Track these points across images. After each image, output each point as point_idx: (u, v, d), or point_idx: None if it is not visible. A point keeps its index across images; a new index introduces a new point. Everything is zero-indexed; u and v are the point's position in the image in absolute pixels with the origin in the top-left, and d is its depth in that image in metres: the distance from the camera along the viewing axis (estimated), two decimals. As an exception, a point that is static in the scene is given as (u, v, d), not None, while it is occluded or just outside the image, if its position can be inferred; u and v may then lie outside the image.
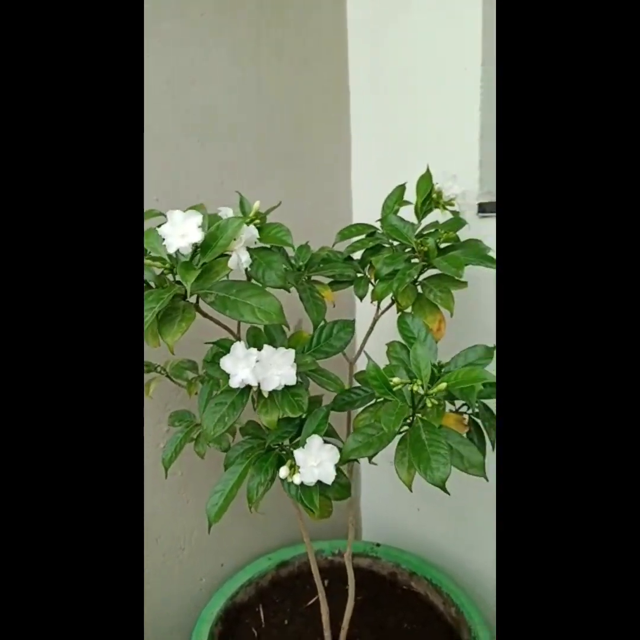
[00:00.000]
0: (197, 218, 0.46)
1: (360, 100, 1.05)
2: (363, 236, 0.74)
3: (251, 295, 0.47)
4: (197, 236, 0.45)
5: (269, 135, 0.96)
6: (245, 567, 1.01)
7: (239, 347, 0.51)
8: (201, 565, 1.00)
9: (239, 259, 0.49)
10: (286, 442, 0.61)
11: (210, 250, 0.47)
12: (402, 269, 0.64)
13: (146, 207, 0.73)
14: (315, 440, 0.54)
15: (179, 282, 0.48)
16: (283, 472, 0.55)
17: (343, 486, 0.61)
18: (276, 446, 0.60)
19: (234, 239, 0.47)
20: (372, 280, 0.71)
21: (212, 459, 0.78)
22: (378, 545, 1.06)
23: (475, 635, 0.84)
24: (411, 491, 0.55)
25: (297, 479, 0.54)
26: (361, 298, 0.70)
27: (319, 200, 1.06)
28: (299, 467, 0.54)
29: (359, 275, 0.72)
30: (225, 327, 0.61)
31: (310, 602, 0.97)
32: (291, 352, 0.52)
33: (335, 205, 1.09)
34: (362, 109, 1.05)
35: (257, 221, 0.55)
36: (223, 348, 0.55)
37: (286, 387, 0.52)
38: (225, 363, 0.51)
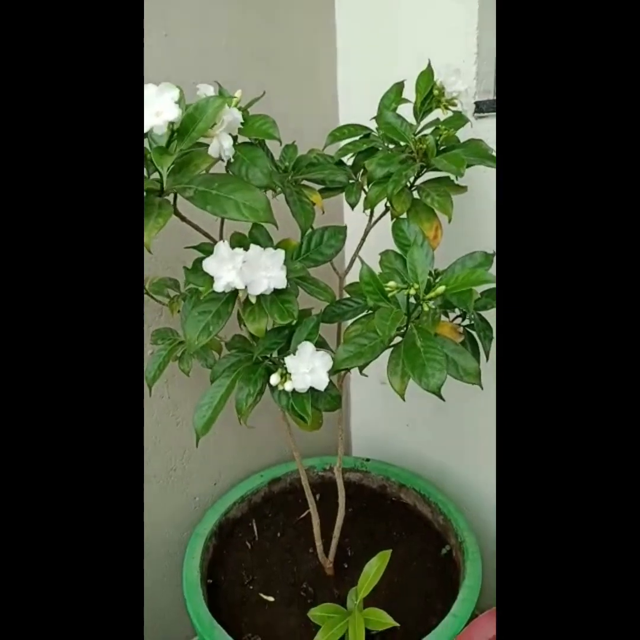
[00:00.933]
0: (173, 92, 0.40)
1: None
2: (356, 138, 0.68)
3: (235, 190, 0.42)
4: (174, 113, 0.40)
5: (243, 27, 0.87)
6: (238, 484, 1.02)
7: (223, 247, 0.46)
8: (194, 484, 1.01)
9: (221, 146, 0.44)
10: (275, 354, 0.59)
11: (187, 134, 0.41)
12: (397, 171, 0.60)
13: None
14: (307, 347, 0.51)
15: (154, 177, 0.43)
16: (274, 379, 0.53)
17: (334, 397, 0.59)
18: (264, 358, 0.58)
19: (215, 123, 0.42)
20: (365, 187, 0.66)
21: (200, 379, 0.76)
22: (368, 460, 1.08)
23: (462, 539, 0.87)
24: (404, 400, 0.54)
25: (288, 386, 0.52)
26: (352, 206, 0.66)
27: (302, 100, 0.98)
28: (290, 374, 0.51)
29: (350, 181, 0.67)
30: (206, 234, 0.56)
31: (302, 516, 1.00)
32: (280, 253, 0.48)
33: (319, 106, 1.01)
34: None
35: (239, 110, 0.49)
36: (205, 253, 0.51)
37: (275, 292, 0.49)
38: (209, 265, 0.47)
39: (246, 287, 0.47)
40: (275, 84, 0.93)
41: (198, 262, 0.51)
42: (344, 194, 0.67)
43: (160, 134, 0.41)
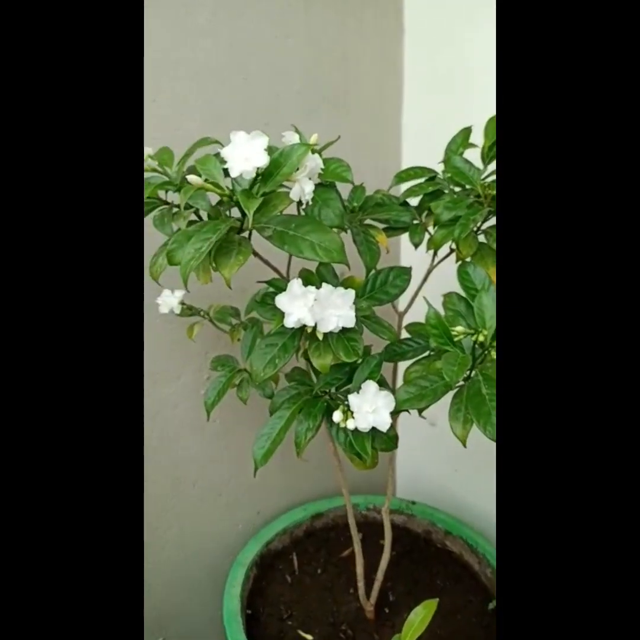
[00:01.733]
0: (262, 140, 0.43)
1: (415, 37, 0.98)
2: (422, 180, 0.70)
3: (311, 231, 0.44)
4: (262, 159, 0.42)
5: (315, 73, 0.91)
6: (281, 516, 1.02)
7: (296, 285, 0.48)
8: (238, 511, 1.01)
9: (302, 190, 0.46)
10: (334, 389, 0.59)
11: (272, 178, 0.44)
12: (465, 215, 0.61)
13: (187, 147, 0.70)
14: (371, 386, 0.52)
15: (234, 216, 0.46)
16: (336, 416, 0.53)
17: (391, 438, 0.59)
18: (323, 393, 0.59)
19: (298, 168, 0.44)
20: (430, 228, 0.67)
21: (252, 408, 0.77)
22: (413, 503, 1.06)
23: (511, 596, 0.83)
24: (465, 447, 0.53)
25: (350, 425, 0.52)
26: (416, 246, 0.67)
27: (368, 143, 1.01)
28: (352, 412, 0.52)
29: (414, 222, 0.68)
30: (275, 269, 0.58)
31: (343, 554, 0.98)
32: (351, 293, 0.49)
33: (384, 149, 1.04)
34: (417, 43, 0.99)
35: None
36: (275, 288, 0.53)
37: (342, 330, 0.50)
38: (281, 301, 0.49)
39: (316, 324, 0.49)
40: (343, 127, 0.97)
41: (268, 296, 0.53)
42: (407, 234, 0.68)
43: (248, 178, 0.43)
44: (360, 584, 0.82)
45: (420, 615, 0.67)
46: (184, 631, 0.98)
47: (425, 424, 1.05)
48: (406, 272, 0.60)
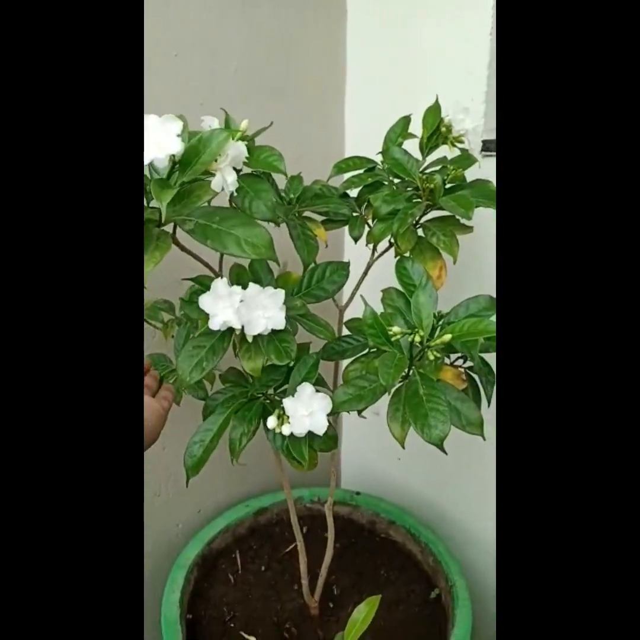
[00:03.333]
0: (175, 124, 0.39)
1: (358, 22, 0.95)
2: (361, 171, 0.68)
3: (237, 225, 0.41)
4: (176, 146, 0.38)
5: (253, 57, 0.87)
6: (223, 513, 1.00)
7: (220, 284, 0.45)
8: (178, 511, 0.98)
9: (225, 181, 0.42)
10: (271, 391, 0.57)
11: (190, 167, 0.40)
12: (403, 208, 0.59)
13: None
14: (306, 389, 0.50)
15: (152, 207, 0.42)
16: (271, 422, 0.51)
17: (330, 437, 0.57)
18: (260, 395, 0.56)
19: (219, 156, 0.41)
20: (369, 221, 0.65)
21: (190, 406, 0.74)
22: (358, 493, 1.05)
23: (452, 583, 0.84)
24: (404, 448, 0.52)
25: (286, 430, 0.50)
26: (356, 240, 0.65)
27: (308, 131, 0.98)
28: (288, 417, 0.50)
29: (354, 214, 0.66)
30: (205, 264, 0.55)
31: (287, 550, 0.97)
32: (280, 293, 0.47)
33: (326, 138, 1.01)
34: (359, 31, 0.96)
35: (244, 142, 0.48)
36: (203, 286, 0.49)
37: (273, 331, 0.47)
38: (205, 302, 0.46)
39: (243, 327, 0.46)
40: (283, 113, 0.93)
41: (195, 294, 0.49)
42: (346, 227, 0.66)
43: (161, 166, 0.39)
44: (304, 581, 0.81)
45: (363, 613, 0.66)
46: None
47: (368, 413, 1.04)
48: (344, 267, 0.58)
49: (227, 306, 0.45)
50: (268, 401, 0.55)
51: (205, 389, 0.64)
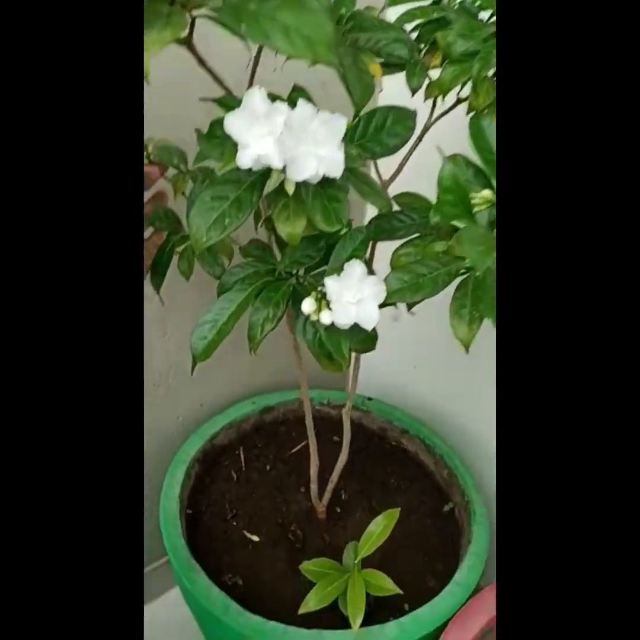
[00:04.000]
0: None
1: None
2: (424, 3, 0.53)
3: (284, 7, 0.27)
4: None
5: None
6: (227, 409, 0.93)
7: (257, 96, 0.31)
8: (179, 403, 0.91)
9: None
10: (302, 270, 0.46)
11: None
12: (484, 48, 0.45)
13: None
14: (356, 268, 0.38)
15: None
16: (307, 306, 0.40)
17: (370, 337, 0.48)
18: (289, 274, 0.46)
19: None
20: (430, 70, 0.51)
21: (197, 288, 0.63)
22: (369, 399, 0.99)
23: (469, 498, 0.80)
24: (468, 352, 0.42)
25: (326, 318, 0.39)
26: (414, 92, 0.51)
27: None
28: (328, 302, 0.39)
29: (412, 59, 0.52)
30: (227, 89, 0.41)
31: (294, 450, 0.92)
32: (342, 121, 0.33)
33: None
34: None
35: None
36: (226, 108, 0.36)
37: (322, 182, 0.35)
38: (233, 124, 0.32)
39: (285, 167, 0.34)
40: None
41: (217, 123, 0.36)
42: (405, 74, 0.52)
43: None
44: (314, 486, 0.76)
45: (381, 526, 0.61)
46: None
47: (387, 317, 0.95)
48: (410, 116, 0.45)
49: (264, 133, 0.31)
50: (299, 283, 0.45)
51: (222, 265, 0.54)
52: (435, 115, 0.54)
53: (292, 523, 0.78)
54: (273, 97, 0.35)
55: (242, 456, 0.89)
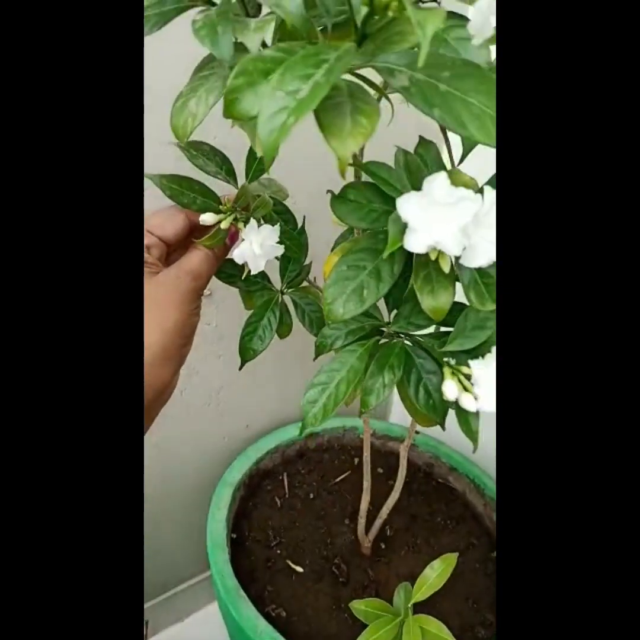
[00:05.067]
0: None
1: None
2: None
3: (479, 90, 0.24)
4: None
5: None
6: (272, 433, 0.93)
7: (441, 182, 0.29)
8: (226, 424, 0.91)
9: (490, 11, 0.25)
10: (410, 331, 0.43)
11: None
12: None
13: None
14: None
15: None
16: (451, 390, 0.37)
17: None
18: (400, 334, 0.43)
19: None
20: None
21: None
22: (417, 432, 0.97)
23: (520, 545, 0.76)
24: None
25: (469, 403, 0.37)
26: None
27: None
28: (471, 385, 0.36)
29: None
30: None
31: (337, 479, 0.90)
32: None
33: None
34: None
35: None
36: (379, 180, 0.34)
37: (481, 268, 0.32)
38: (409, 208, 0.29)
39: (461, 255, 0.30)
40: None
41: (349, 187, 0.35)
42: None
43: None
44: (362, 520, 0.74)
45: (438, 570, 0.59)
46: (157, 546, 0.90)
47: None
48: None
49: (448, 220, 0.29)
50: (411, 345, 0.43)
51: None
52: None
53: (337, 556, 0.76)
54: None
55: (285, 482, 0.88)
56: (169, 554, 0.93)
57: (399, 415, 1.18)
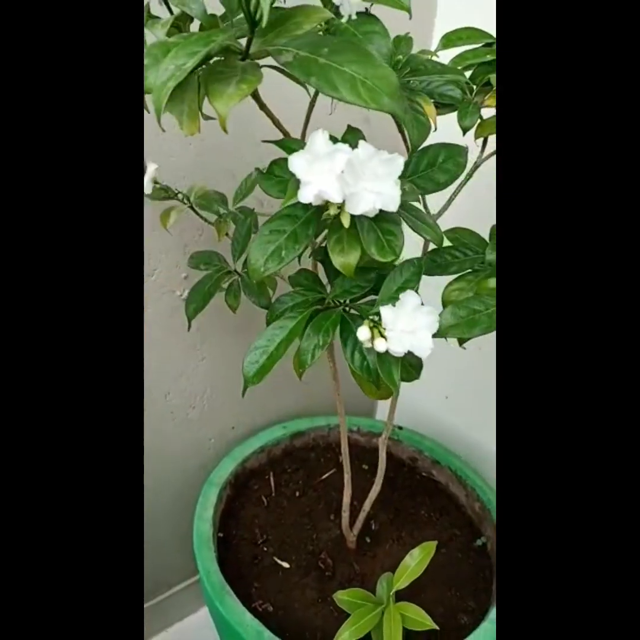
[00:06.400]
0: None
1: None
2: (476, 45, 0.55)
3: (353, 60, 0.30)
4: None
5: None
6: (258, 433, 0.94)
7: (320, 138, 0.34)
8: (211, 426, 0.93)
9: (345, 4, 0.32)
10: (347, 300, 0.47)
11: None
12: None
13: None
14: (411, 298, 0.40)
15: (235, 32, 0.32)
16: (363, 334, 0.41)
17: (414, 366, 0.48)
18: (337, 303, 0.47)
19: None
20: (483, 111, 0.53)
21: (235, 316, 0.65)
22: (400, 428, 0.99)
23: (501, 533, 0.78)
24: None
25: (380, 346, 0.40)
26: (465, 130, 0.53)
27: None
28: (383, 330, 0.40)
29: (465, 98, 0.53)
30: (285, 133, 0.43)
31: (323, 477, 0.92)
32: (399, 160, 0.35)
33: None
34: None
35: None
36: (288, 151, 0.38)
37: (377, 216, 0.37)
38: (297, 163, 0.35)
39: (343, 202, 0.35)
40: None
41: (277, 165, 0.39)
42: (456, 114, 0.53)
43: None
44: (345, 514, 0.76)
45: (417, 559, 0.61)
46: (150, 552, 0.91)
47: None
48: (461, 153, 0.46)
49: (327, 170, 0.34)
50: (346, 311, 0.46)
51: (268, 296, 0.55)
52: (486, 153, 0.56)
53: (322, 551, 0.77)
54: (333, 139, 0.37)
55: (271, 481, 0.89)
56: (157, 558, 0.93)
57: (385, 413, 1.20)
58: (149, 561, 0.92)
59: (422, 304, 0.40)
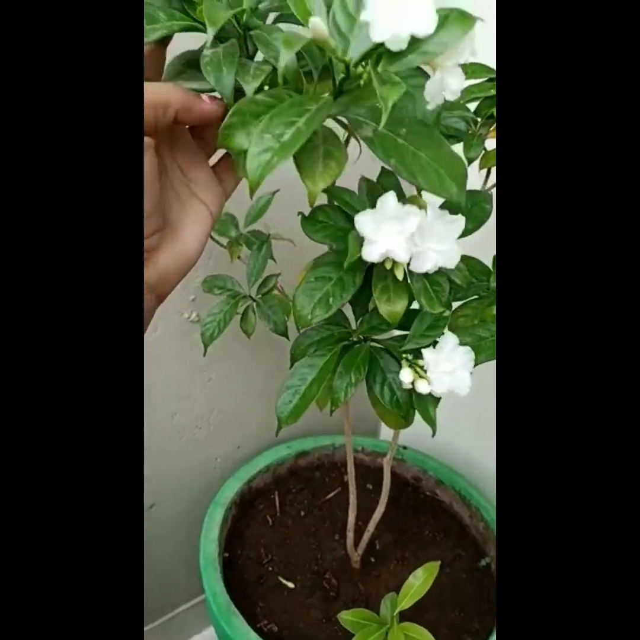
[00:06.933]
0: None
1: None
2: (481, 80, 0.57)
3: (428, 147, 0.30)
4: (428, 22, 0.25)
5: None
6: (264, 452, 0.95)
7: (391, 200, 0.35)
8: (217, 445, 0.94)
9: (444, 85, 0.30)
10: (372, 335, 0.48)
11: (404, 54, 0.27)
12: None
13: None
14: (449, 340, 0.41)
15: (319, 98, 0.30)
16: (406, 376, 0.42)
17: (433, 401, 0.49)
18: (363, 339, 0.48)
19: (452, 48, 0.27)
20: (487, 142, 0.55)
21: (242, 339, 0.67)
22: (404, 448, 1.00)
23: (505, 553, 0.79)
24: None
25: (423, 387, 0.42)
26: (471, 161, 0.55)
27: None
28: (424, 371, 0.42)
29: (470, 131, 0.56)
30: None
31: (328, 497, 0.92)
32: (461, 221, 0.37)
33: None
34: None
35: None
36: (341, 202, 0.39)
37: (431, 277, 0.39)
38: (364, 223, 0.35)
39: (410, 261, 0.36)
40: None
41: (318, 209, 0.40)
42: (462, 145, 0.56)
43: (392, 47, 0.26)
44: (350, 534, 0.76)
45: (421, 579, 0.61)
46: (151, 570, 0.92)
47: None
48: (486, 199, 0.48)
49: (396, 231, 0.34)
50: (374, 347, 0.47)
51: (285, 322, 0.57)
52: (490, 183, 0.58)
53: (327, 571, 0.78)
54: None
55: (277, 501, 0.90)
56: (163, 578, 0.94)
57: (389, 432, 1.21)
58: (154, 581, 0.92)
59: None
